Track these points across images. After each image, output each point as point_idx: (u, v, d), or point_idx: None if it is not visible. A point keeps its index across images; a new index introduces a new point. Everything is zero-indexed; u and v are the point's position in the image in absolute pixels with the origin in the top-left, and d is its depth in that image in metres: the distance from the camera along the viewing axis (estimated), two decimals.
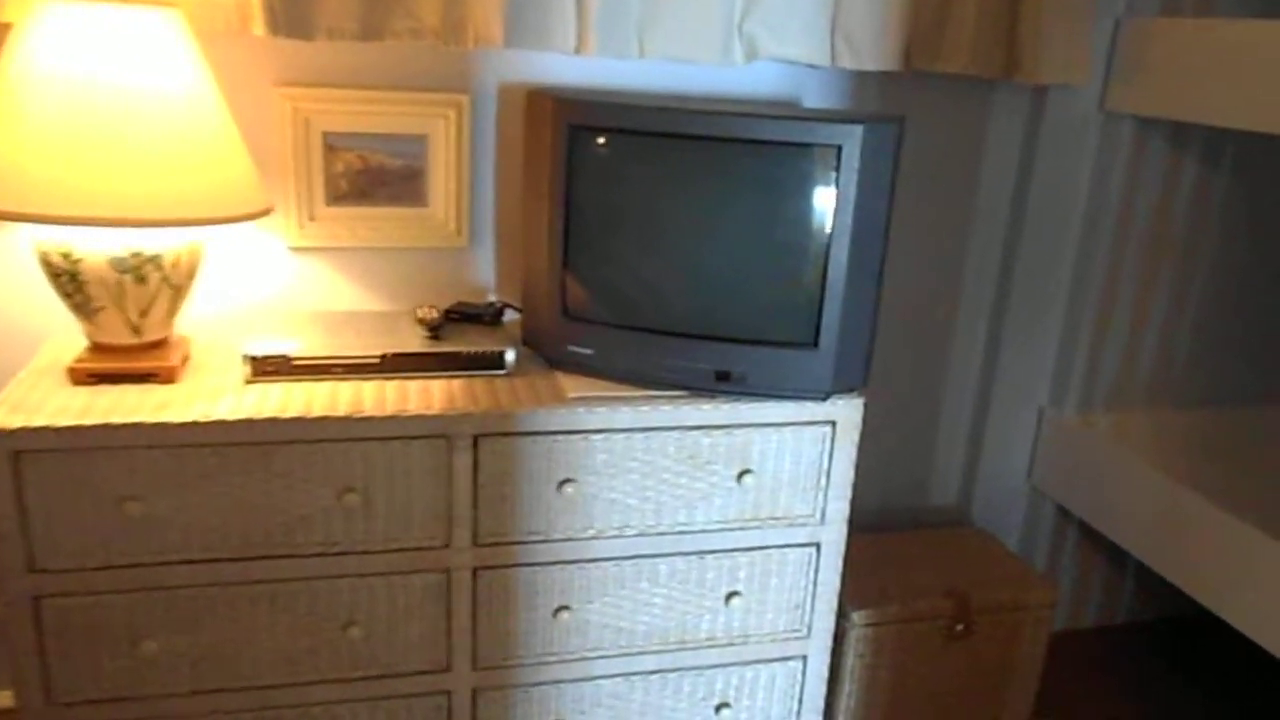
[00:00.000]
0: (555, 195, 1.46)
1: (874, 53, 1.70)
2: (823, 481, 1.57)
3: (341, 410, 1.36)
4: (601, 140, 1.44)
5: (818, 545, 1.61)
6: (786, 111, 1.44)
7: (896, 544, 2.03)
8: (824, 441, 1.55)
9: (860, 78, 1.85)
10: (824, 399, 1.50)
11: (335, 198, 1.66)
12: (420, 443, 1.39)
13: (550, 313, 1.53)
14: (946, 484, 2.18)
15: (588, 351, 1.52)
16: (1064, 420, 2.08)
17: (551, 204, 1.47)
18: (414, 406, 1.39)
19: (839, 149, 1.38)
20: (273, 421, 1.33)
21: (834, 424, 1.54)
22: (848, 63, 1.71)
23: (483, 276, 1.77)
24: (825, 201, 1.40)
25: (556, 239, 1.48)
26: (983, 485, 2.15)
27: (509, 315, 1.73)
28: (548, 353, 1.56)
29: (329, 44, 1.59)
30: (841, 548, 1.62)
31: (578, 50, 1.61)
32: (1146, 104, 1.85)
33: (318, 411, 1.35)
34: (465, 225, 1.72)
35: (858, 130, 1.37)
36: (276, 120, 1.61)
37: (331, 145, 1.63)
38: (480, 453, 1.42)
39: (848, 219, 1.40)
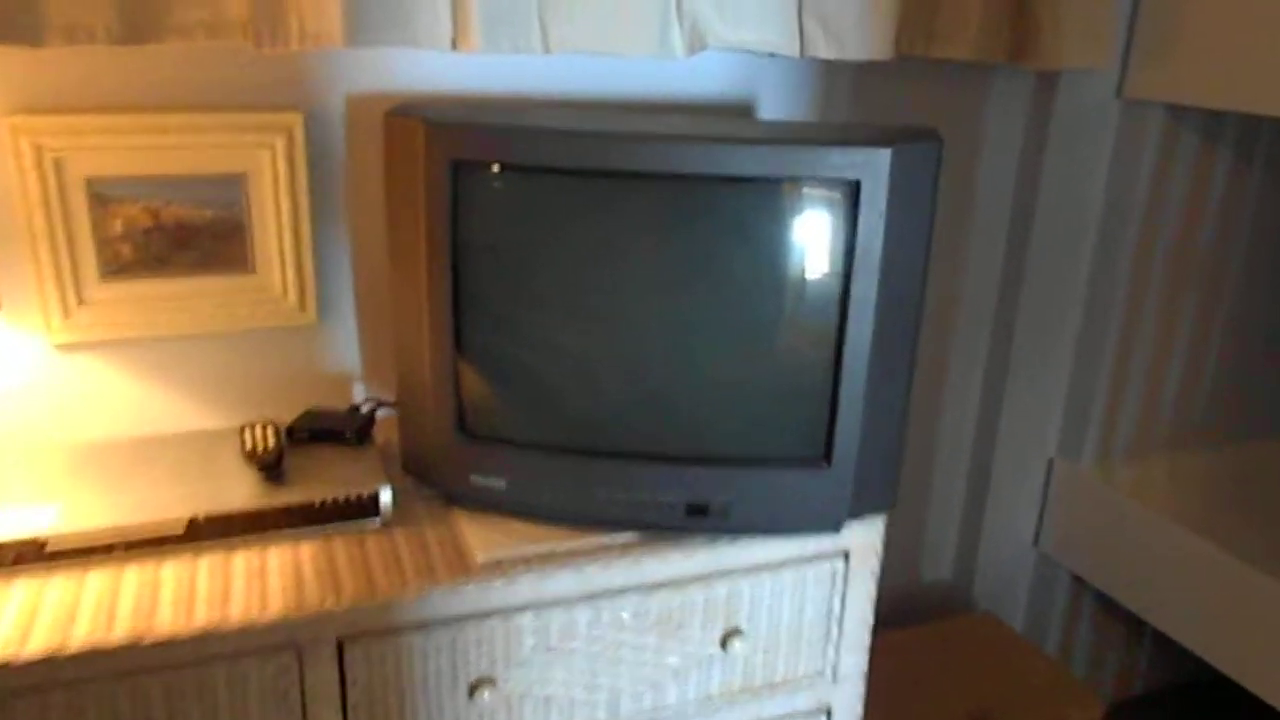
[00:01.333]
0: (435, 259, 0.99)
1: (858, 38, 1.26)
2: (834, 631, 1.14)
3: (119, 632, 0.86)
4: (501, 182, 0.97)
5: (828, 711, 1.18)
6: (769, 131, 0.99)
7: (890, 646, 1.62)
8: (834, 579, 1.12)
9: (830, 69, 1.41)
10: (838, 529, 1.07)
11: (114, 270, 1.15)
12: (253, 660, 0.91)
13: (441, 427, 1.05)
14: (940, 556, 1.79)
15: (499, 484, 1.06)
16: (1079, 472, 1.71)
17: (431, 272, 1.00)
18: (238, 609, 0.90)
19: (855, 186, 0.94)
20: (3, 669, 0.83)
21: (847, 554, 1.12)
22: (824, 50, 1.27)
23: (342, 362, 1.28)
24: (835, 260, 0.96)
25: (442, 323, 1.01)
26: (985, 556, 1.77)
27: (384, 413, 1.25)
28: (441, 485, 1.08)
29: (80, 52, 1.06)
30: (859, 710, 1.20)
31: (456, 46, 1.13)
32: (1176, 89, 1.47)
33: (82, 637, 0.85)
34: (311, 295, 1.22)
35: (883, 157, 0.93)
36: (7, 165, 1.08)
37: (102, 197, 1.12)
38: (348, 662, 0.94)
39: (870, 284, 0.96)
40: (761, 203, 0.95)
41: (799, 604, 1.11)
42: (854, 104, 1.45)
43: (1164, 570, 1.56)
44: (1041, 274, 1.60)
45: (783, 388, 1.01)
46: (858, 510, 1.06)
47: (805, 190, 0.95)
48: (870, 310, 0.97)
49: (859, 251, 0.95)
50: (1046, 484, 1.76)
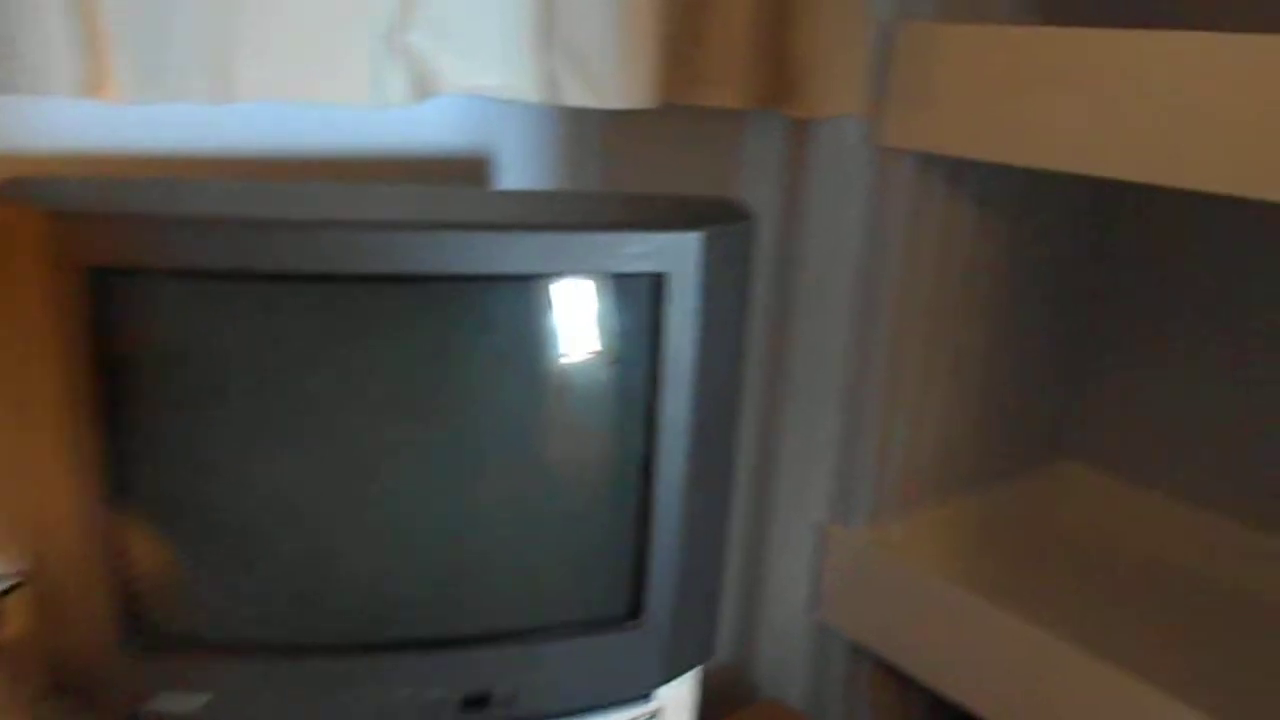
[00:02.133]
0: (77, 403, 0.68)
1: (619, 84, 1.07)
2: None
3: None
4: (171, 298, 0.68)
5: None
6: (532, 207, 0.77)
7: None
8: None
9: (575, 116, 1.22)
10: (649, 697, 0.86)
11: None
12: None
13: (103, 634, 0.74)
14: (719, 639, 1.64)
15: (197, 701, 0.76)
16: (849, 535, 1.62)
17: (71, 421, 0.69)
18: None
19: (658, 280, 0.74)
20: None
21: (654, 717, 0.92)
22: (581, 99, 1.07)
23: None
24: (636, 374, 0.76)
25: (91, 496, 0.70)
26: (765, 634, 1.64)
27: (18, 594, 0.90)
28: (107, 706, 0.76)
29: None
30: None
31: (91, 92, 0.81)
32: (926, 137, 1.40)
33: None
34: None
35: (691, 243, 0.73)
36: None
37: None
38: None
39: (682, 399, 0.76)
40: (532, 309, 0.73)
41: None
42: (606, 153, 1.26)
43: (931, 627, 1.50)
44: (808, 330, 1.49)
45: (576, 536, 0.79)
46: (675, 669, 0.86)
47: (595, 289, 0.73)
48: (684, 431, 0.77)
49: (667, 361, 0.75)
50: (820, 550, 1.66)
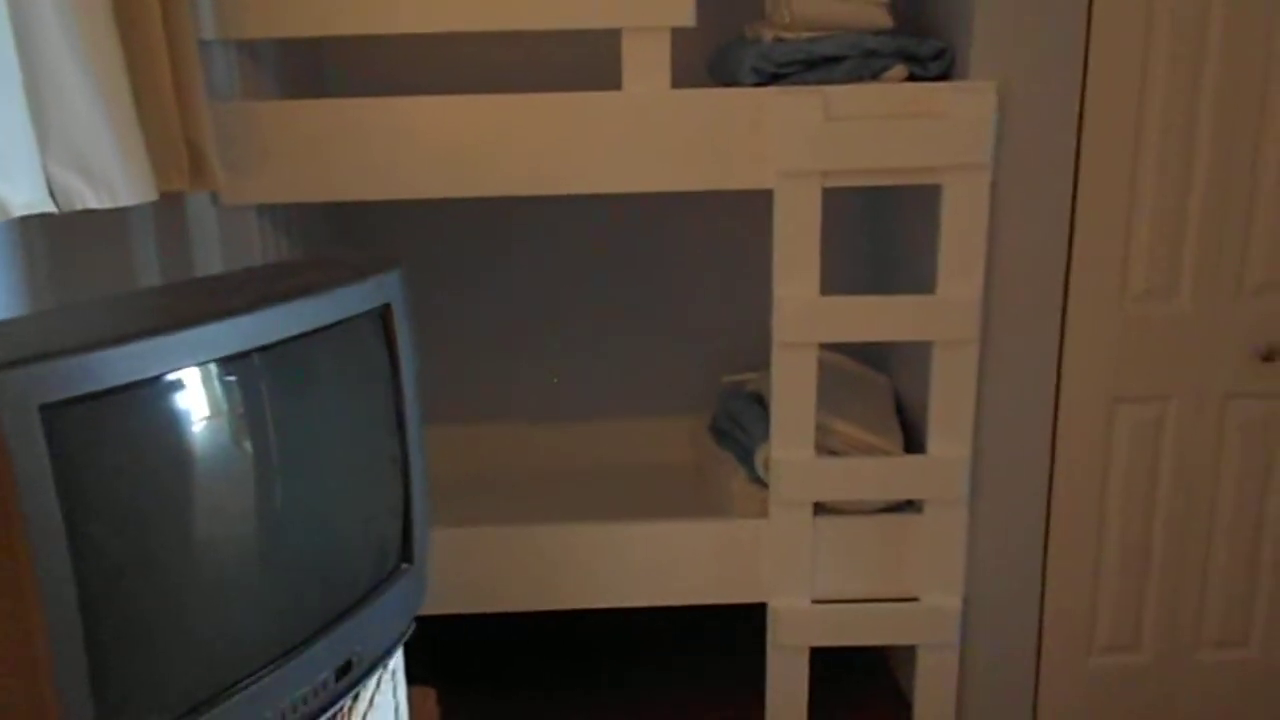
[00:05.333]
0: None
1: (126, 183, 1.19)
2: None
3: None
4: (107, 417, 0.76)
5: None
6: (274, 288, 0.98)
7: None
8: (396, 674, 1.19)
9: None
10: (414, 618, 1.15)
11: None
12: None
13: None
14: None
15: None
16: None
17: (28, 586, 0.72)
18: None
19: (385, 310, 1.03)
20: None
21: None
22: (94, 201, 1.16)
23: None
24: (384, 385, 1.05)
25: (63, 638, 0.74)
26: None
27: None
28: None
29: None
30: None
31: None
32: (265, 190, 1.72)
33: None
34: None
35: (395, 278, 1.04)
36: None
37: None
38: None
39: (410, 391, 1.07)
40: (323, 354, 0.97)
41: (393, 703, 1.16)
42: (49, 253, 1.30)
43: None
44: None
45: (372, 518, 1.04)
46: (423, 593, 1.16)
47: (353, 328, 1.00)
48: (416, 420, 1.08)
49: (402, 368, 1.05)
50: None
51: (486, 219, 2.32)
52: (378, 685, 1.11)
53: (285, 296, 0.92)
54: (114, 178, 1.19)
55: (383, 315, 1.04)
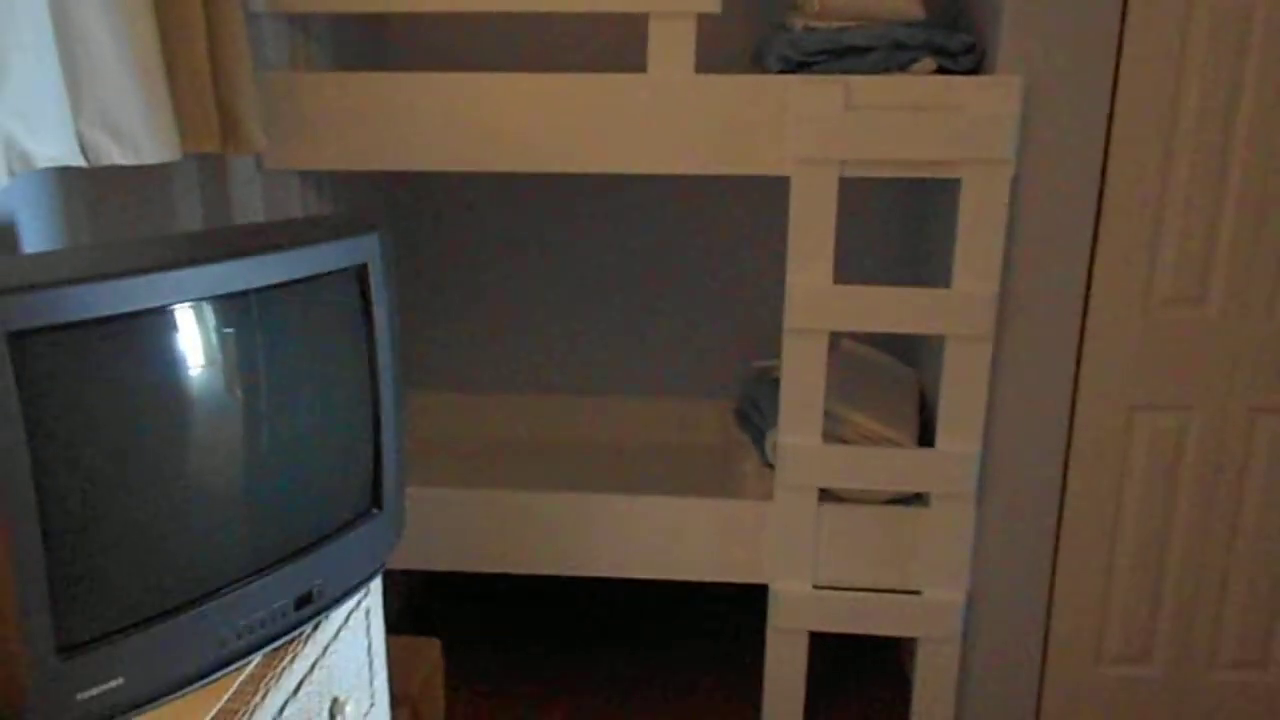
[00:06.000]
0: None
1: (151, 142, 1.29)
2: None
3: None
4: (75, 349, 0.85)
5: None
6: (280, 234, 1.06)
7: None
8: (370, 614, 1.26)
9: (77, 178, 1.36)
10: (384, 564, 1.22)
11: None
12: None
13: (27, 655, 0.85)
14: None
15: (114, 684, 0.92)
16: None
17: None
18: None
19: (362, 269, 1.10)
20: None
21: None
22: (119, 158, 1.26)
23: None
24: (359, 339, 1.12)
25: (28, 556, 0.83)
26: None
27: None
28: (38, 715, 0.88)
29: None
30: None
31: None
32: (298, 159, 1.82)
33: None
34: None
35: (375, 239, 1.11)
36: None
37: None
38: None
39: (387, 352, 1.14)
40: (295, 305, 1.04)
41: (365, 643, 1.23)
42: (90, 206, 1.42)
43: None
44: None
45: (342, 461, 1.12)
46: (394, 540, 1.23)
47: (326, 283, 1.07)
48: (389, 368, 1.15)
49: (376, 324, 1.12)
50: None
51: (530, 196, 2.39)
52: (346, 621, 1.19)
53: (261, 250, 0.99)
54: (140, 137, 1.29)
55: (359, 274, 1.11)
